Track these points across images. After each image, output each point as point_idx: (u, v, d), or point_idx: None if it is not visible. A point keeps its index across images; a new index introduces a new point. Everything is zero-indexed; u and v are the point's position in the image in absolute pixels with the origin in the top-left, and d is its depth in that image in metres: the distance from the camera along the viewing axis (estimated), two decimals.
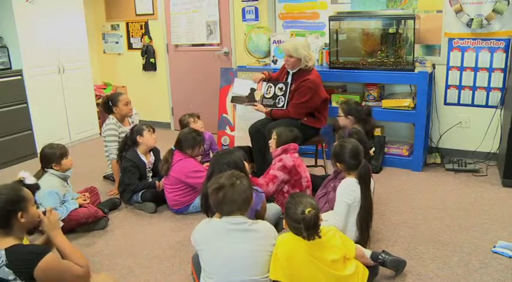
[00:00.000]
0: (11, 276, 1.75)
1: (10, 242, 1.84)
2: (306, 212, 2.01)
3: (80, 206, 3.10)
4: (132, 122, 4.04)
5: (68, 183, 3.17)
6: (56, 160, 3.04)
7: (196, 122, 3.89)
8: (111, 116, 3.84)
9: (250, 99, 3.90)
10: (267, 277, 2.08)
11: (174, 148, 3.37)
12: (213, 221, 2.15)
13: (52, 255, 1.85)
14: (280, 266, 2.05)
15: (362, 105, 3.48)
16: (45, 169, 3.06)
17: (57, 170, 3.06)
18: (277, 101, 3.67)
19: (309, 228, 2.01)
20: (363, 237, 2.55)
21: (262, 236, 2.11)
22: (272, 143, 3.21)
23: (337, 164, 2.70)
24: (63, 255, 1.99)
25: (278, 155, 3.12)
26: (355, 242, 2.33)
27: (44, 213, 2.07)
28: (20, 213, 1.89)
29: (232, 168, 2.53)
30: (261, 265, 2.07)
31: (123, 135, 3.78)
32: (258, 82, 3.86)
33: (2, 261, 1.76)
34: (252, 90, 3.93)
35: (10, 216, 1.87)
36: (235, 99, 4.06)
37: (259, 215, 2.66)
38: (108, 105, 3.85)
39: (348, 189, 2.56)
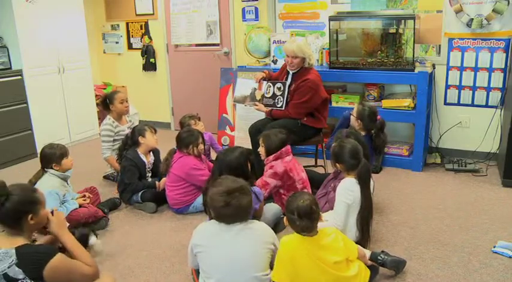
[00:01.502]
0: (21, 276, 1.76)
1: (20, 241, 1.85)
2: (301, 202, 2.07)
3: (80, 206, 3.10)
4: (130, 121, 4.10)
5: (68, 183, 3.17)
6: (56, 160, 3.04)
7: (198, 124, 3.84)
8: (108, 116, 3.92)
9: (251, 98, 3.91)
10: (267, 274, 2.08)
11: (175, 148, 3.39)
12: (209, 223, 2.16)
13: (61, 255, 1.86)
14: (284, 267, 2.06)
15: (378, 117, 3.43)
16: (45, 169, 3.06)
17: (57, 170, 3.06)
18: (276, 100, 3.66)
19: (302, 217, 2.04)
20: (363, 237, 2.55)
21: (259, 234, 2.12)
22: (261, 150, 3.11)
23: (337, 164, 2.70)
24: (72, 254, 1.99)
25: (270, 162, 3.06)
26: (356, 242, 2.34)
27: (52, 213, 2.07)
28: (30, 215, 1.90)
29: (235, 167, 2.59)
30: (260, 262, 2.08)
31: (120, 133, 3.84)
32: (259, 81, 3.86)
33: (13, 260, 1.77)
34: (253, 89, 3.93)
35: (21, 217, 1.88)
36: (237, 99, 4.07)
37: (256, 214, 2.66)
38: (105, 102, 3.93)
39: (348, 189, 2.56)
